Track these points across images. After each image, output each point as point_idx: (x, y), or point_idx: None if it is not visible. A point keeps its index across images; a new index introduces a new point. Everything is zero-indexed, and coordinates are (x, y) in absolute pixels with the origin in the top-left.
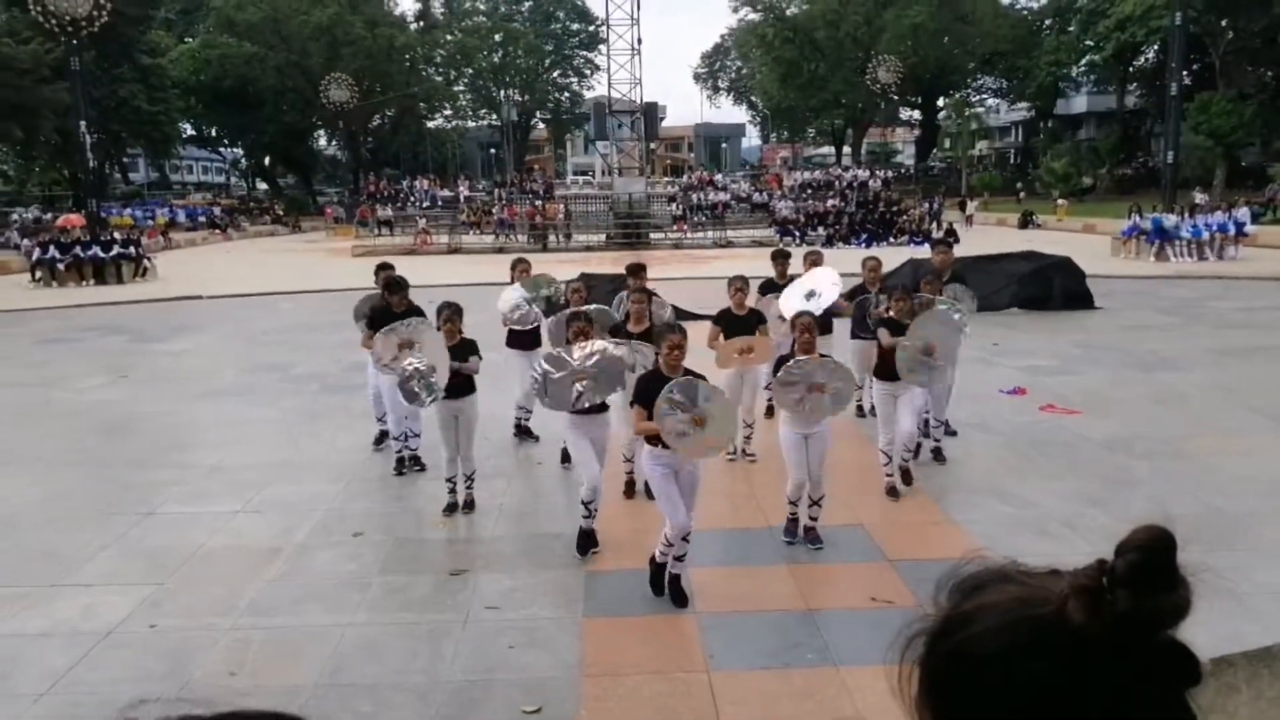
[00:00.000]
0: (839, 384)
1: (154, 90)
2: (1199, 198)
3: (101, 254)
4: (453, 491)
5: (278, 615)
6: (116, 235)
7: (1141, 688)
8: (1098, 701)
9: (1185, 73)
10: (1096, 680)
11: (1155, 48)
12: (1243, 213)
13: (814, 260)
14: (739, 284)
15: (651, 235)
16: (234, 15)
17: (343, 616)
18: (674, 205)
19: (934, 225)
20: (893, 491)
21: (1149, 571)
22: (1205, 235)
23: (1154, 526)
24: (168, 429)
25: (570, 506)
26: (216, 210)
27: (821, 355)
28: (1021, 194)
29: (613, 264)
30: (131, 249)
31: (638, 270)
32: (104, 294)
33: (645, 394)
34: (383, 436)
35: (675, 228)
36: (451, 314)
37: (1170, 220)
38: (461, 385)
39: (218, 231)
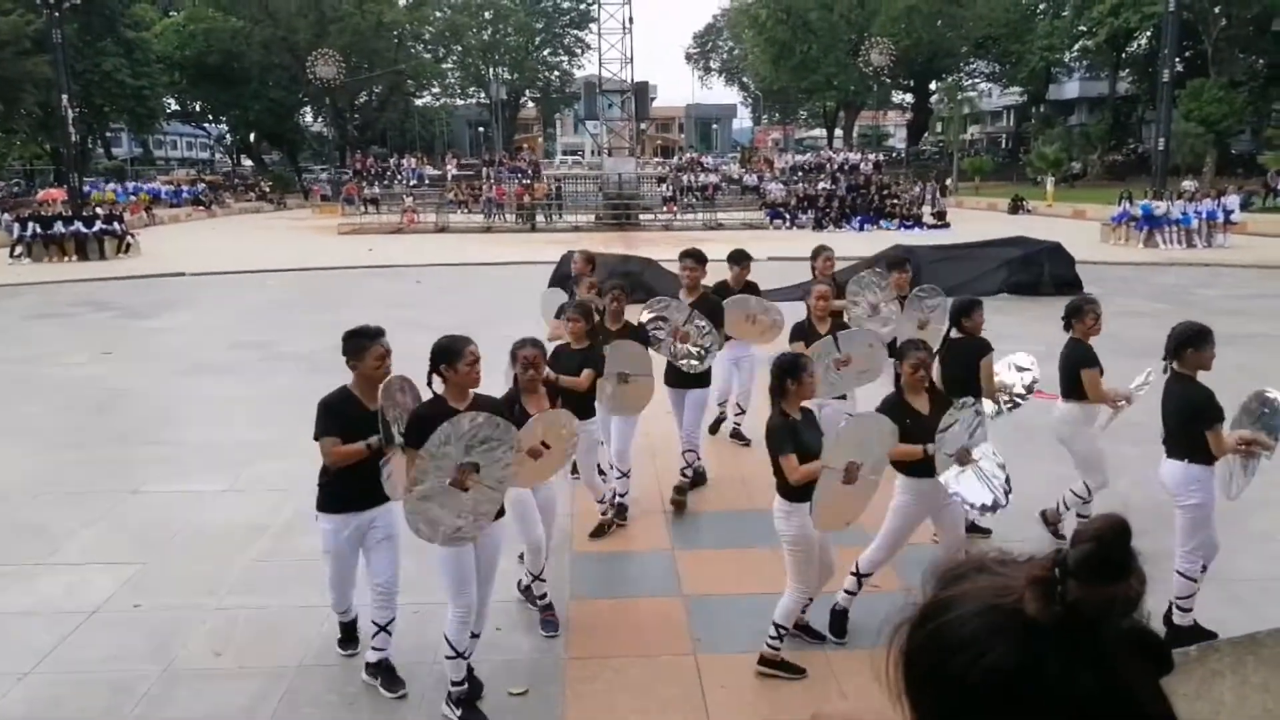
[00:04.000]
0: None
1: (138, 64)
2: (1189, 185)
3: (84, 229)
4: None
5: (263, 595)
6: (99, 211)
7: (1101, 675)
8: (1056, 688)
9: (1178, 59)
10: (1053, 668)
11: (1148, 34)
12: (1231, 200)
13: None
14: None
15: (641, 216)
16: None
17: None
18: (664, 186)
19: (923, 209)
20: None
21: (1099, 562)
22: (1194, 222)
23: (1111, 516)
24: (153, 406)
25: (563, 491)
26: (200, 186)
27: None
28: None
29: (602, 244)
30: (114, 225)
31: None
32: (87, 270)
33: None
34: (352, 631)
35: (665, 209)
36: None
37: (1159, 208)
38: None
39: (202, 208)
